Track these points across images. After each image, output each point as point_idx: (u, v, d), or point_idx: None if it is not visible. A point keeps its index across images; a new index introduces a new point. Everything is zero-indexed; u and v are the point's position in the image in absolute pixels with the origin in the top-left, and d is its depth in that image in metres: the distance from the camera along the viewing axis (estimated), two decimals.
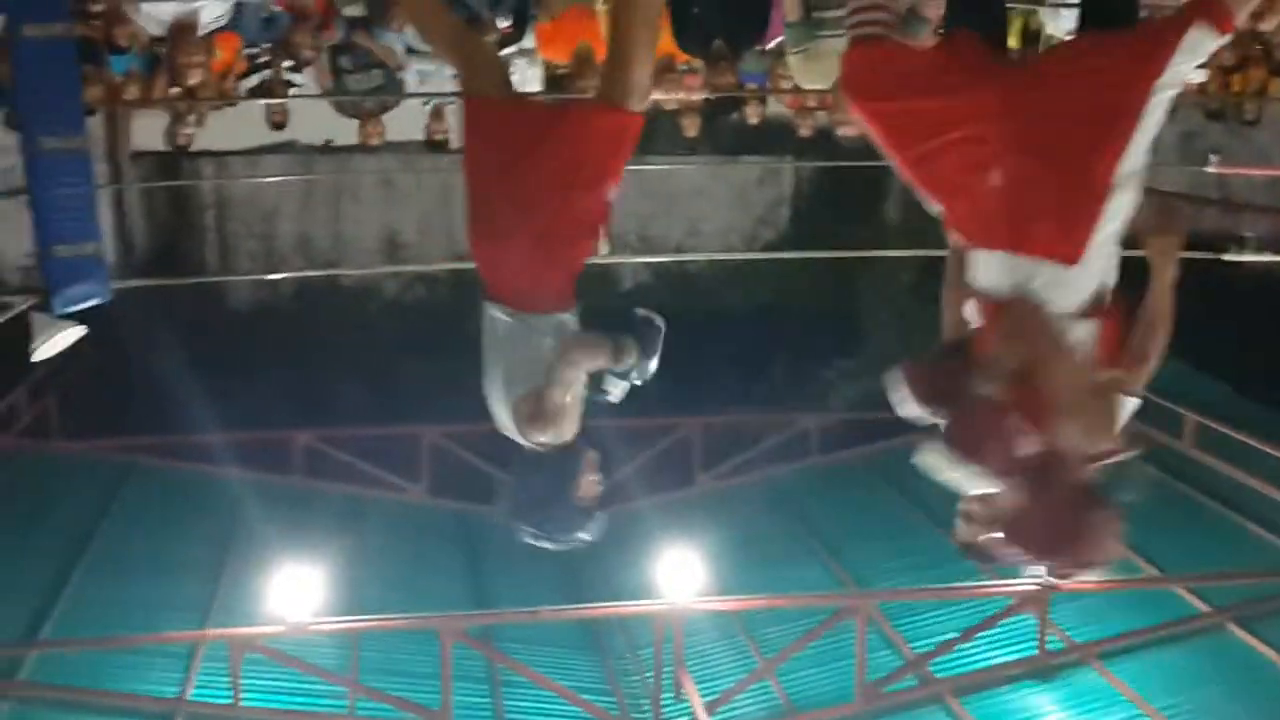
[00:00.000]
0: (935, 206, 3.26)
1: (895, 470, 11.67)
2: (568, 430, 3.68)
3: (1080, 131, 3.01)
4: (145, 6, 7.05)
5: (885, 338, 13.28)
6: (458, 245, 13.13)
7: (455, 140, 8.79)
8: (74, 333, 6.33)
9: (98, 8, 6.96)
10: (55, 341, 6.32)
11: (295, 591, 7.63)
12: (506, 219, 3.65)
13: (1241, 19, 3.05)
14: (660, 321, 3.69)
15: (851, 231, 12.84)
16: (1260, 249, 8.39)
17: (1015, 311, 3.03)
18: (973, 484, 3.11)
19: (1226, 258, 8.47)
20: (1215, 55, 8.09)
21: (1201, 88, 8.35)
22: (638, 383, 3.75)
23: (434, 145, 8.77)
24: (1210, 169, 8.95)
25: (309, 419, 11.60)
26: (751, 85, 8.50)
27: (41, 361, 6.85)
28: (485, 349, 3.76)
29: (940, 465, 3.08)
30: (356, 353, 12.66)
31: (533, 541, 3.79)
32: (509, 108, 3.82)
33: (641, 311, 3.71)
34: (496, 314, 3.72)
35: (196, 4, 6.99)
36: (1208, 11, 2.97)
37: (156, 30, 7.20)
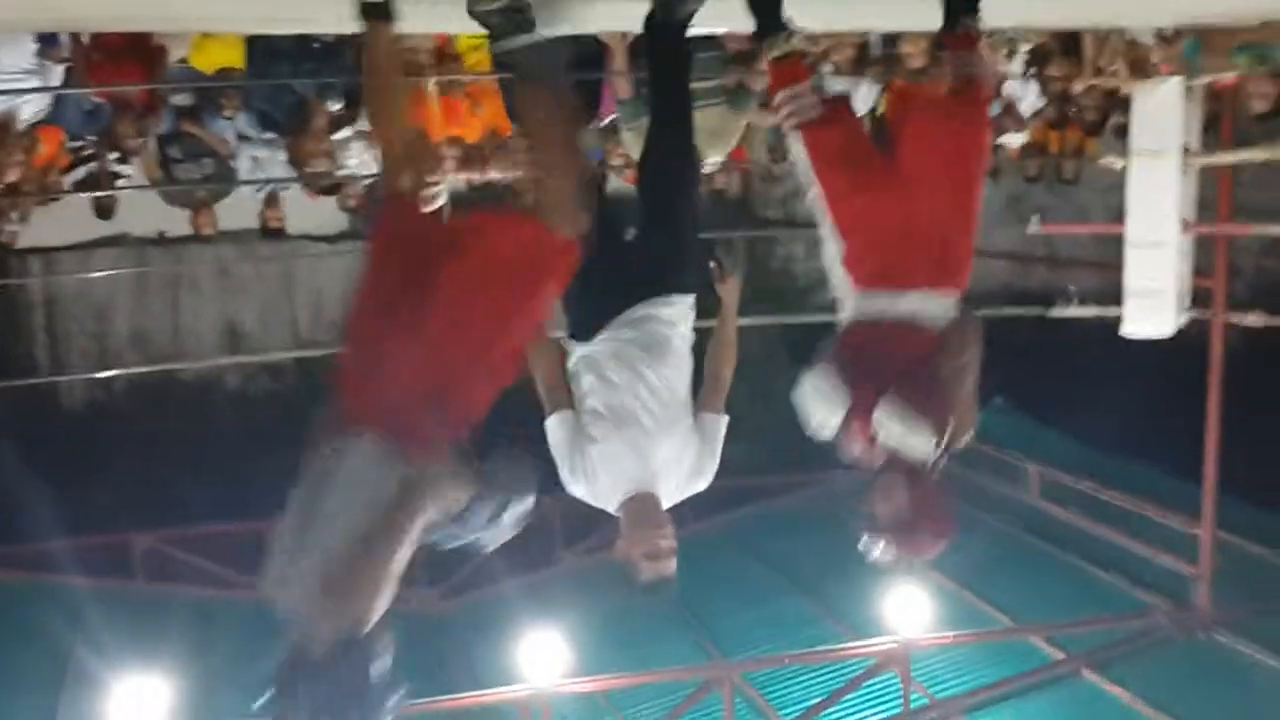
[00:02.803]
0: (838, 250, 3.81)
1: (757, 536, 11.74)
2: (378, 610, 3.09)
3: (956, 184, 3.76)
4: None
5: (740, 404, 13.37)
6: (301, 334, 12.88)
7: (292, 226, 8.66)
8: None
9: None
10: None
11: (140, 704, 7.29)
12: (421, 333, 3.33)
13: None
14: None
15: (698, 299, 12.94)
16: (1085, 303, 8.69)
17: (967, 325, 3.69)
18: (917, 442, 3.49)
19: (1053, 313, 8.76)
20: (1038, 114, 8.44)
21: (1024, 149, 8.67)
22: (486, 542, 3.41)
23: (270, 232, 8.61)
24: (1033, 230, 9.28)
25: (153, 520, 11.18)
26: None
27: None
28: (316, 494, 3.21)
29: (896, 421, 3.47)
30: (200, 449, 12.26)
31: None
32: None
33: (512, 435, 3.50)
34: (357, 446, 3.20)
35: (16, 101, 6.79)
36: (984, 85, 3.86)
37: None
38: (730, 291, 4.23)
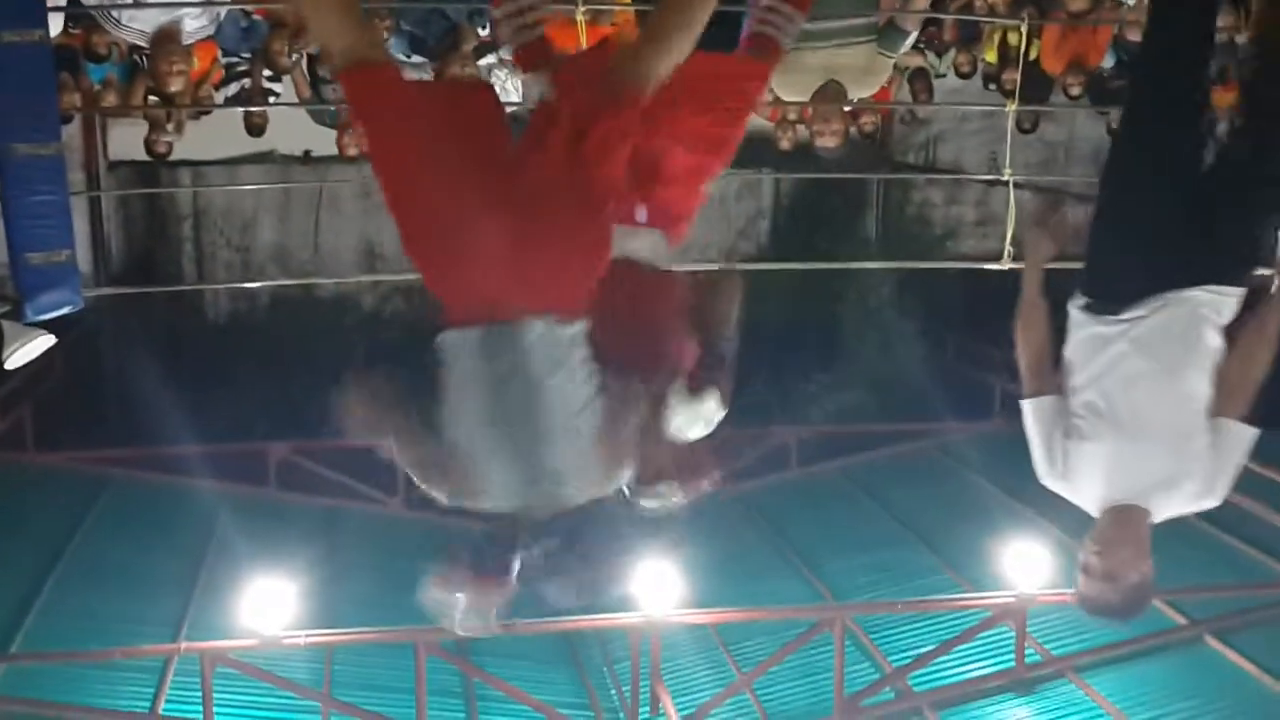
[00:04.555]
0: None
1: (874, 483, 11.69)
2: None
3: None
4: (126, 15, 7.03)
5: (864, 350, 13.28)
6: None
7: None
8: (45, 341, 6.26)
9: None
10: (27, 350, 6.25)
11: (269, 605, 7.57)
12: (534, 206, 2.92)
13: None
14: None
15: (830, 244, 12.86)
16: None
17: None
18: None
19: None
20: None
21: None
22: None
23: None
24: None
25: (285, 430, 11.53)
26: None
27: (14, 371, 6.77)
28: (516, 392, 2.90)
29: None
30: (333, 364, 12.55)
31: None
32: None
33: None
34: (535, 332, 2.89)
35: (180, 13, 6.97)
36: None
37: (137, 39, 7.19)
38: None
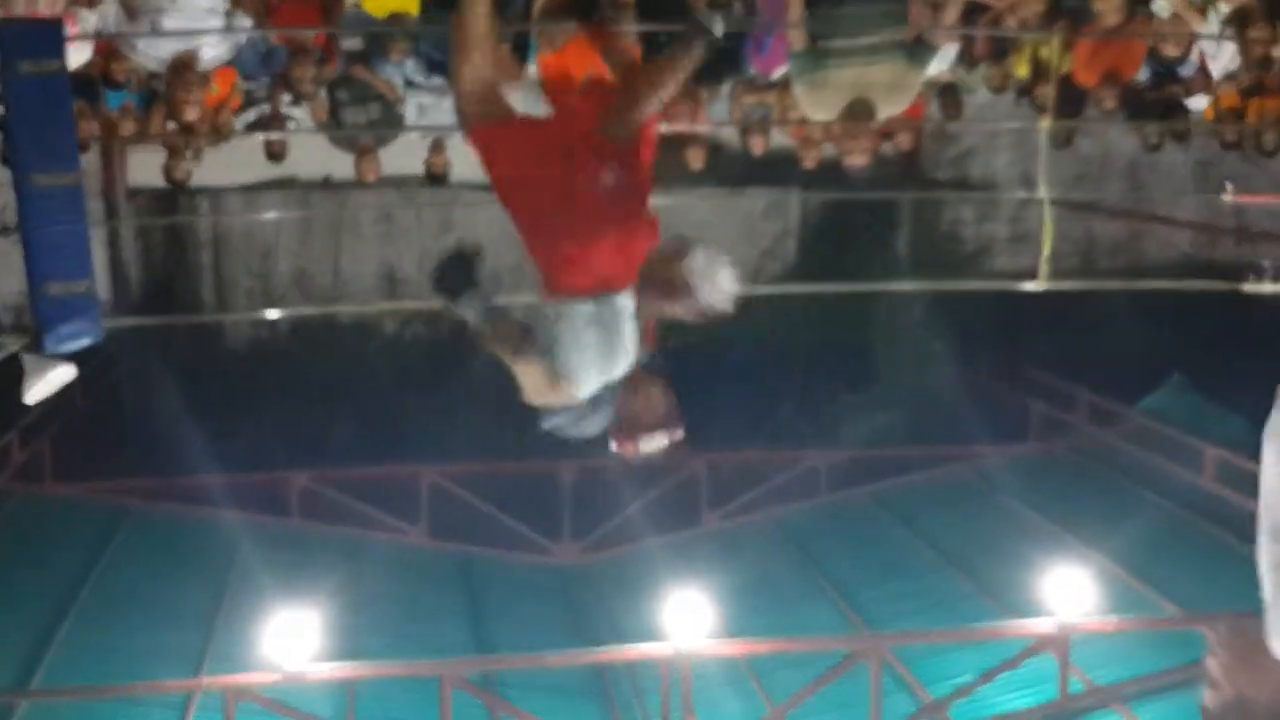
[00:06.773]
0: None
1: (906, 508, 11.50)
2: None
3: None
4: (143, 43, 6.96)
5: (895, 372, 13.09)
6: None
7: (455, 173, 8.66)
8: (66, 373, 6.18)
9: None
10: (47, 382, 6.17)
11: (291, 637, 7.42)
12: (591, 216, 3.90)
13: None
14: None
15: (860, 263, 12.68)
16: (1278, 279, 8.19)
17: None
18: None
19: (1245, 288, 8.29)
20: (1231, 78, 7.95)
21: (1217, 115, 8.19)
22: None
23: (433, 178, 8.64)
24: (1226, 198, 8.80)
25: (306, 459, 11.44)
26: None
27: (34, 403, 6.69)
28: (588, 342, 3.87)
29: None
30: (355, 391, 12.48)
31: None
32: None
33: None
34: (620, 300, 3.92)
35: (197, 41, 6.90)
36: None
37: (155, 66, 7.13)
38: None
